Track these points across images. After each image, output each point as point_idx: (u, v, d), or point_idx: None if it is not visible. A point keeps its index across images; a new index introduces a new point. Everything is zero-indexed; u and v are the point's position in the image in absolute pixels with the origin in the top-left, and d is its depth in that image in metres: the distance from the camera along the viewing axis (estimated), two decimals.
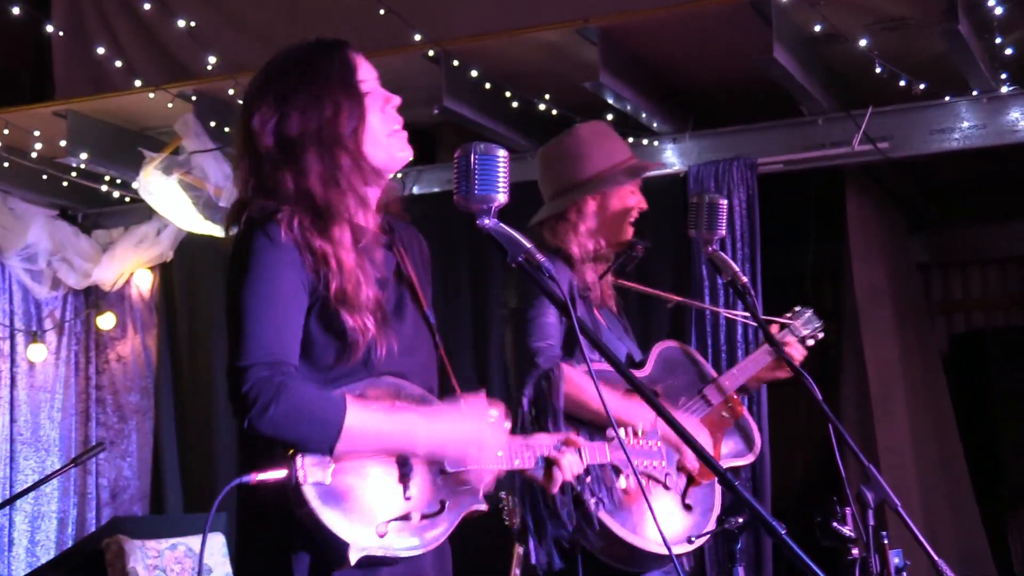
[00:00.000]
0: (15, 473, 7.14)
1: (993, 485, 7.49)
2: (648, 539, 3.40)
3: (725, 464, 3.71)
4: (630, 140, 6.04)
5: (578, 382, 3.39)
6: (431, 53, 5.57)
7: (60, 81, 6.37)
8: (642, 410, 3.06)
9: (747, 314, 3.94)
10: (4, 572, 6.97)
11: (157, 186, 6.26)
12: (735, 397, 3.80)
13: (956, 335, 8.34)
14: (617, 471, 2.81)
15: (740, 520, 3.48)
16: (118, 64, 6.08)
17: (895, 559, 3.10)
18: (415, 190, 6.60)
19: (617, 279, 3.84)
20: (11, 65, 7.10)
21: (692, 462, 3.55)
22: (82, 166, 6.49)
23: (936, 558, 3.07)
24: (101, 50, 6.10)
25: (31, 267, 7.14)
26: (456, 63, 5.64)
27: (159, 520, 6.50)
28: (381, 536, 2.34)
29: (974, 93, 5.83)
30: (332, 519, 2.30)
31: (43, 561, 6.64)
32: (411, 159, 2.63)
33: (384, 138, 2.56)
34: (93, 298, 7.52)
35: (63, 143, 6.26)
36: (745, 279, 3.62)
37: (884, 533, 3.10)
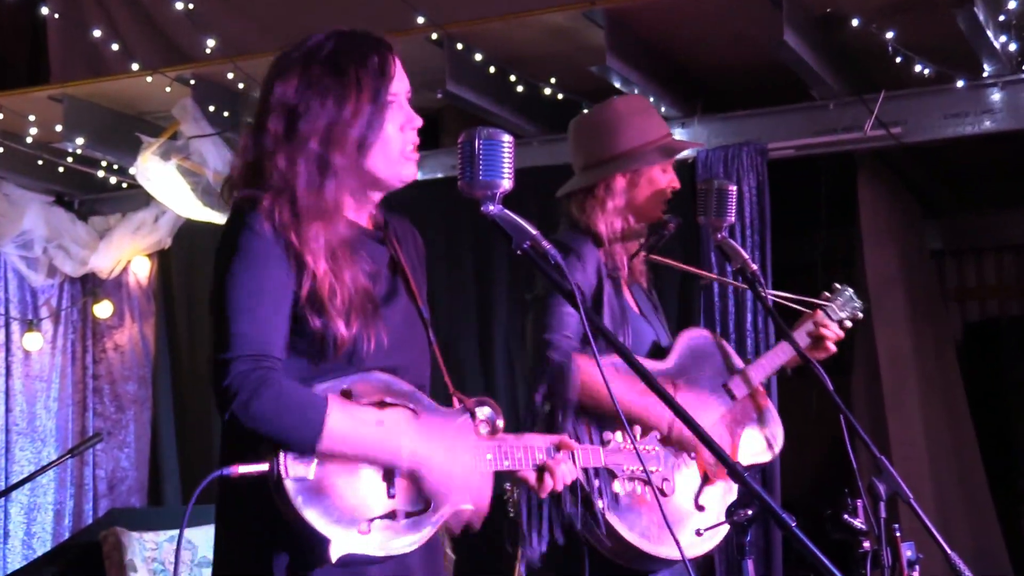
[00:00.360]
0: (11, 464, 7.12)
1: (1008, 476, 7.45)
2: (656, 543, 3.31)
3: (745, 463, 3.57)
4: None
5: (597, 376, 3.28)
6: (434, 36, 5.51)
7: (56, 65, 6.31)
8: (662, 406, 2.98)
9: (791, 295, 3.84)
10: (0, 565, 6.92)
11: (155, 172, 6.21)
12: (761, 390, 3.69)
13: (970, 323, 8.30)
14: (612, 475, 2.73)
15: (750, 512, 3.40)
16: (115, 47, 6.02)
17: (907, 552, 3.12)
18: (418, 176, 6.51)
19: (649, 255, 3.73)
20: (6, 48, 7.05)
21: (707, 459, 3.46)
22: (78, 151, 6.44)
23: (949, 551, 3.09)
24: (98, 33, 6.04)
25: (27, 254, 7.10)
26: (460, 46, 5.59)
27: (157, 512, 6.46)
28: (364, 534, 2.30)
29: (989, 76, 5.74)
30: (313, 516, 2.27)
31: (39, 553, 6.59)
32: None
33: (396, 154, 2.52)
34: (90, 286, 7.46)
35: (59, 128, 6.20)
36: (755, 267, 3.63)
37: (896, 526, 3.10)
